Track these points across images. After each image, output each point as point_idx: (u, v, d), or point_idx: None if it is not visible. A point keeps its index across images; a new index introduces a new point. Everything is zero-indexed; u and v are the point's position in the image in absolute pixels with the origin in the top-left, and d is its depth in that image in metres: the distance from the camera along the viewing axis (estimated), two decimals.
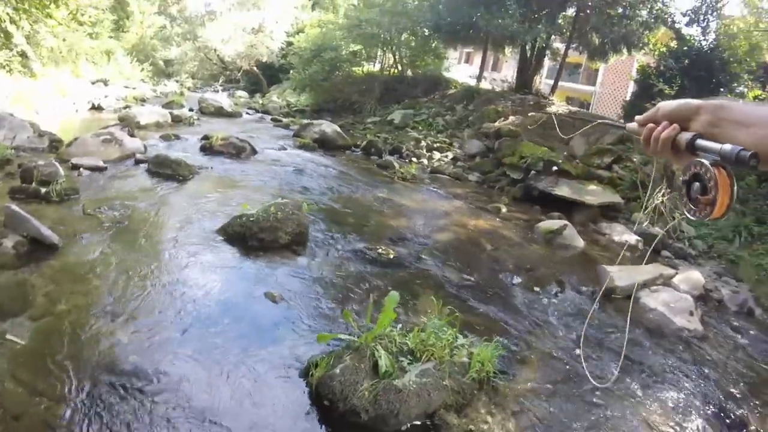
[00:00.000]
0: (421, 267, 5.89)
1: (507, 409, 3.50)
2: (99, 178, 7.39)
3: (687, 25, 16.57)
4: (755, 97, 14.92)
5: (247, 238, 5.38)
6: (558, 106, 17.47)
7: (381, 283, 5.08)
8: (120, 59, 27.07)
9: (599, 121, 1.93)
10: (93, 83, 20.01)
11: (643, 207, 11.14)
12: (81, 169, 7.50)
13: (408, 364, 3.27)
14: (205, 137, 10.82)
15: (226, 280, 4.59)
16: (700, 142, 1.03)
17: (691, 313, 6.33)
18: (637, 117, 1.22)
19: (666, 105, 1.15)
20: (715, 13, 16.22)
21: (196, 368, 3.29)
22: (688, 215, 1.10)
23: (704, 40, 15.77)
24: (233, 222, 5.58)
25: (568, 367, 4.36)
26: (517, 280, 6.19)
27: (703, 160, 1.02)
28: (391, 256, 5.88)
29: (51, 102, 14.47)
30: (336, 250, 5.83)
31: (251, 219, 5.47)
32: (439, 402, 3.15)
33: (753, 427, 4.27)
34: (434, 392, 3.11)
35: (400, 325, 3.77)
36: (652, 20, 17.21)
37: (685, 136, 1.07)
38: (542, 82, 23.67)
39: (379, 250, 5.93)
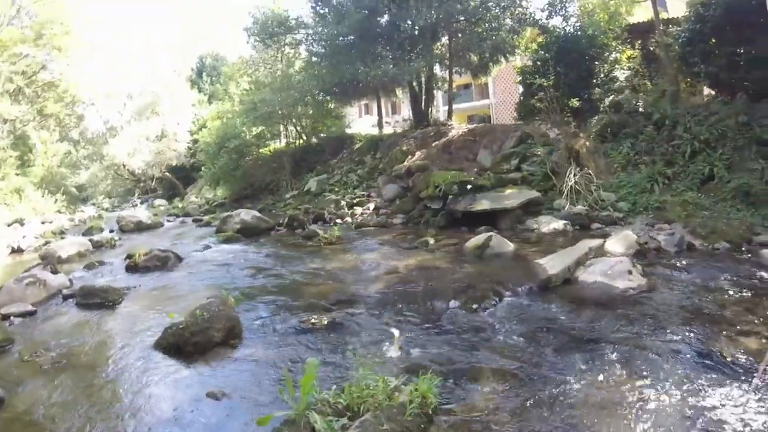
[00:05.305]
0: (357, 323, 5.97)
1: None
2: (31, 322, 7.19)
3: (548, 18, 17.64)
4: (629, 57, 15.90)
5: (182, 345, 5.35)
6: (457, 128, 18.10)
7: (317, 351, 5.15)
8: (31, 195, 26.43)
9: None
10: (9, 225, 19.51)
11: (560, 191, 11.61)
12: (11, 317, 7.28)
13: (348, 419, 3.34)
14: (129, 256, 10.62)
15: (169, 392, 4.57)
16: None
17: (630, 272, 6.63)
18: None
19: None
20: None
21: None
22: None
23: (567, 25, 16.80)
24: (165, 334, 5.55)
25: (519, 372, 4.45)
26: (454, 304, 6.31)
27: None
28: (325, 322, 5.94)
29: None
30: (271, 332, 5.86)
31: (181, 326, 5.46)
32: None
33: (723, 353, 4.45)
34: None
35: (334, 386, 3.83)
36: (517, 24, 18.22)
37: None
38: (439, 111, 24.54)
39: (312, 320, 5.99)
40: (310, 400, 3.50)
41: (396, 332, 5.15)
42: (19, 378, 5.12)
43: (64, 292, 8.47)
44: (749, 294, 5.94)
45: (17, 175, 26.81)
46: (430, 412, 3.57)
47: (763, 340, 4.67)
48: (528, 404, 3.92)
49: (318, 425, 3.19)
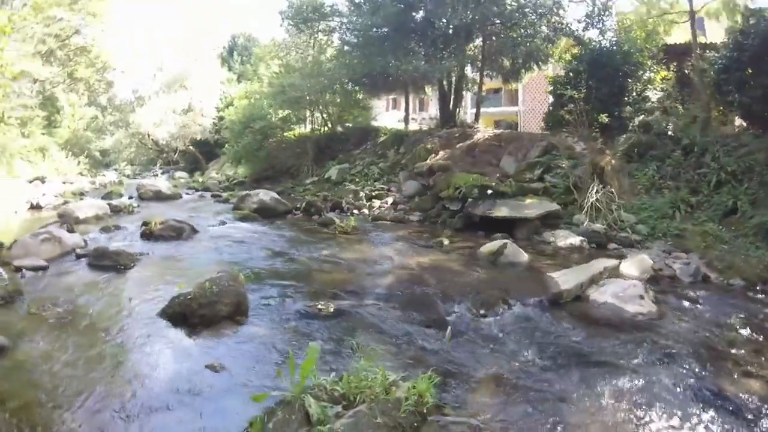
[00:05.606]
0: (363, 315, 5.98)
1: None
2: (42, 277, 7.34)
3: (584, 30, 17.45)
4: (663, 79, 15.68)
5: (188, 316, 5.43)
6: (483, 132, 17.98)
7: (321, 337, 5.19)
8: (55, 155, 26.93)
9: None
10: (30, 182, 19.82)
11: (581, 207, 11.49)
12: (23, 270, 7.41)
13: (343, 408, 3.37)
14: (145, 224, 10.75)
15: (169, 359, 4.66)
16: None
17: (642, 297, 6.52)
18: None
19: None
20: (607, 13, 17.15)
21: None
22: None
23: (603, 39, 16.60)
24: (172, 303, 5.62)
25: (519, 384, 4.44)
26: (462, 307, 6.30)
27: None
28: (332, 310, 5.99)
29: None
30: (277, 313, 5.91)
31: (189, 297, 5.54)
32: None
33: (727, 392, 4.38)
34: (368, 431, 3.17)
35: (333, 373, 3.85)
36: (552, 33, 18.05)
37: None
38: (467, 112, 24.39)
39: (319, 306, 6.03)
40: (308, 384, 3.53)
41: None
42: (24, 329, 5.24)
43: (78, 251, 8.63)
44: (759, 335, 5.82)
45: (43, 134, 27.22)
46: (425, 411, 3.56)
47: None
48: (524, 417, 3.91)
49: (312, 410, 3.22)
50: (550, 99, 17.39)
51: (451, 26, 18.29)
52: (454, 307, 6.28)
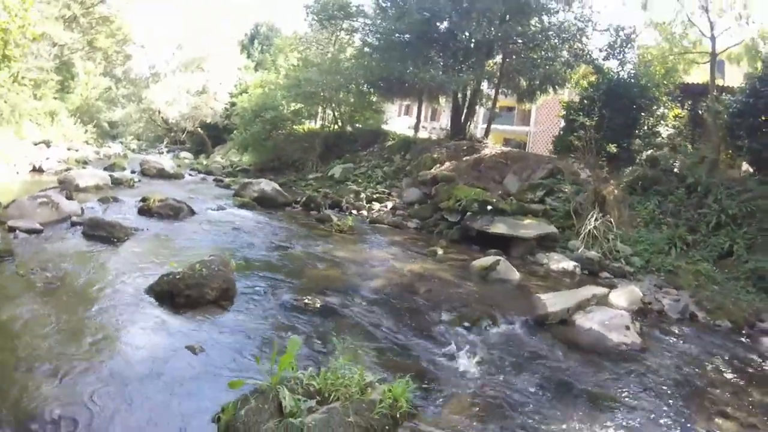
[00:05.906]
0: (348, 314, 5.99)
1: None
2: (34, 240, 7.38)
3: (605, 59, 17.46)
4: (675, 116, 15.70)
5: (174, 295, 5.44)
6: (491, 148, 17.97)
7: (304, 331, 5.19)
8: (64, 120, 26.90)
9: None
10: (36, 144, 19.77)
11: (578, 233, 11.49)
12: (17, 231, 7.46)
13: (317, 403, 3.37)
14: (143, 199, 10.82)
15: (150, 337, 4.65)
16: None
17: (628, 328, 6.52)
18: None
19: None
20: (629, 45, 17.17)
21: (114, 421, 3.35)
22: None
23: (622, 70, 16.60)
24: (160, 281, 5.64)
25: (496, 397, 4.45)
26: (447, 318, 6.29)
27: None
28: (318, 306, 5.99)
29: None
30: (263, 303, 5.92)
31: (177, 277, 5.55)
32: None
33: (697, 429, 4.39)
34: (339, 429, 3.18)
35: (311, 368, 3.84)
36: (573, 59, 18.07)
37: None
38: (478, 127, 24.37)
39: (306, 301, 6.04)
40: (285, 375, 3.54)
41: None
42: (9, 291, 5.25)
43: (74, 219, 8.68)
44: (739, 378, 5.82)
45: (55, 98, 27.20)
46: (398, 415, 3.57)
47: (743, 427, 4.57)
48: (499, 428, 3.91)
49: (286, 401, 3.22)
50: (562, 123, 17.38)
51: (473, 40, 18.32)
52: (440, 317, 6.27)
